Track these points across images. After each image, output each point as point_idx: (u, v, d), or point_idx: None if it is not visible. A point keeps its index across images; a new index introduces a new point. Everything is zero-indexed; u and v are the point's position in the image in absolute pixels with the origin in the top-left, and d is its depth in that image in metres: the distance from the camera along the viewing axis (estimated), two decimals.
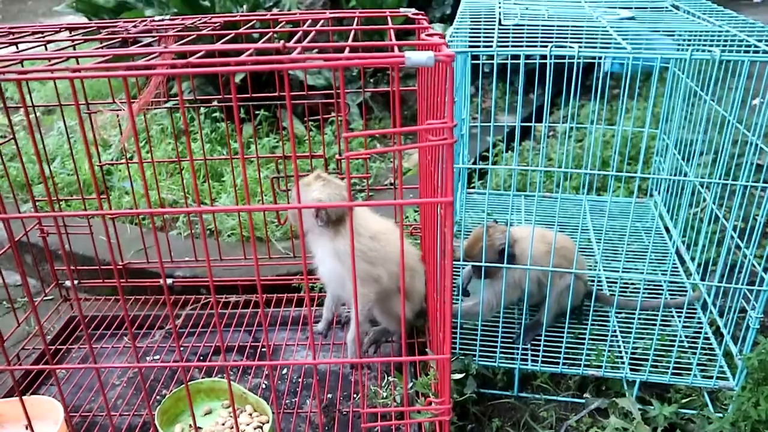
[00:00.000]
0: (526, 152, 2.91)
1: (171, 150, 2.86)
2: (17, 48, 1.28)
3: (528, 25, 1.57)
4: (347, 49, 0.98)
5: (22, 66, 1.11)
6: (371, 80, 3.29)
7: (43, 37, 1.44)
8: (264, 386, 1.65)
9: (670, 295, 1.90)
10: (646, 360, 1.57)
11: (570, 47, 1.31)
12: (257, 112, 3.05)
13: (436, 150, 1.25)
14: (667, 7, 1.90)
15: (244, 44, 1.00)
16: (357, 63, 0.90)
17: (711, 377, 1.56)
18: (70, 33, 1.53)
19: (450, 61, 0.90)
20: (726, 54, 1.27)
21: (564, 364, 1.62)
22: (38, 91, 3.76)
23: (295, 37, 1.15)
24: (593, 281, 1.77)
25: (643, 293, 1.68)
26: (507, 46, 1.39)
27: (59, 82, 2.81)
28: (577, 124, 2.82)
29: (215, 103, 2.81)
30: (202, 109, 3.04)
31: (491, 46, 1.40)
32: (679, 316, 1.79)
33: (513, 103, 3.08)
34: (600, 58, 1.42)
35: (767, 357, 1.43)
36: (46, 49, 1.35)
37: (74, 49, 1.42)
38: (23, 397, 1.21)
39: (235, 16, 1.62)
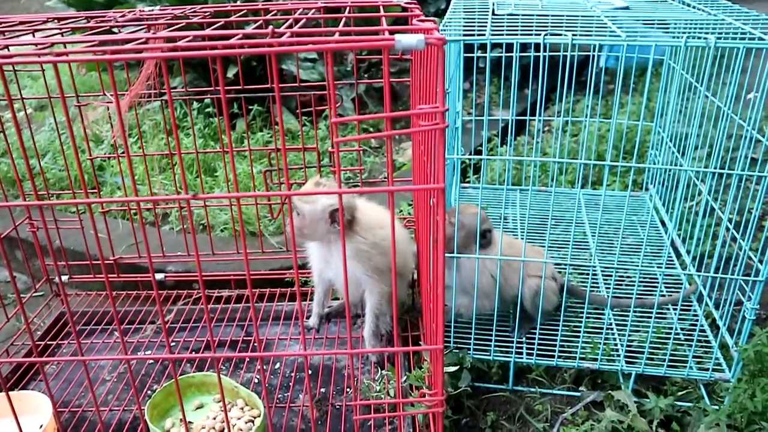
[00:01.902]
0: (521, 147, 2.90)
1: (164, 145, 2.84)
2: (3, 36, 1.26)
3: (522, 15, 1.56)
4: (337, 34, 0.96)
5: (9, 51, 1.09)
6: (365, 75, 3.28)
7: (32, 26, 1.42)
8: (256, 381, 1.64)
9: (666, 287, 1.89)
10: (642, 352, 1.56)
11: (564, 35, 1.30)
12: (250, 107, 3.03)
13: (430, 139, 1.24)
14: None
15: (233, 31, 0.98)
16: (346, 46, 0.89)
17: (707, 369, 1.55)
18: (59, 23, 1.50)
19: (441, 44, 0.89)
20: (721, 41, 1.26)
21: (559, 357, 1.61)
22: (30, 87, 3.73)
23: (285, 24, 1.13)
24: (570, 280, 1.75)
25: (638, 286, 1.67)
26: (501, 35, 1.38)
27: (50, 77, 2.78)
28: (573, 119, 2.81)
29: (208, 96, 2.79)
30: (194, 104, 3.02)
31: (484, 35, 1.38)
32: (674, 309, 1.78)
33: (508, 98, 3.06)
34: (595, 48, 1.41)
35: (763, 348, 1.42)
36: (34, 37, 1.33)
37: (62, 37, 1.40)
38: (11, 392, 1.19)
39: (226, 6, 1.60)
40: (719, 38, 1.27)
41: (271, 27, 1.01)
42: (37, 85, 3.76)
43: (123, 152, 2.59)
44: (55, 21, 1.54)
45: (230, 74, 2.81)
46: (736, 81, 1.42)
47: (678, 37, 1.31)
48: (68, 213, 2.43)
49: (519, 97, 3.37)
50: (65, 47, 1.10)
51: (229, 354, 1.53)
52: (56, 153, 2.87)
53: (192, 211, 1.03)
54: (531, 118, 2.33)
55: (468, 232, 1.60)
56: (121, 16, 1.51)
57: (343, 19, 1.24)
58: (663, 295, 1.84)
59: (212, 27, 1.21)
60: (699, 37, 1.26)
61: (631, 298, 1.68)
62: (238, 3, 2.87)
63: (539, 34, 1.34)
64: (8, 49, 1.11)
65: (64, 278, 2.00)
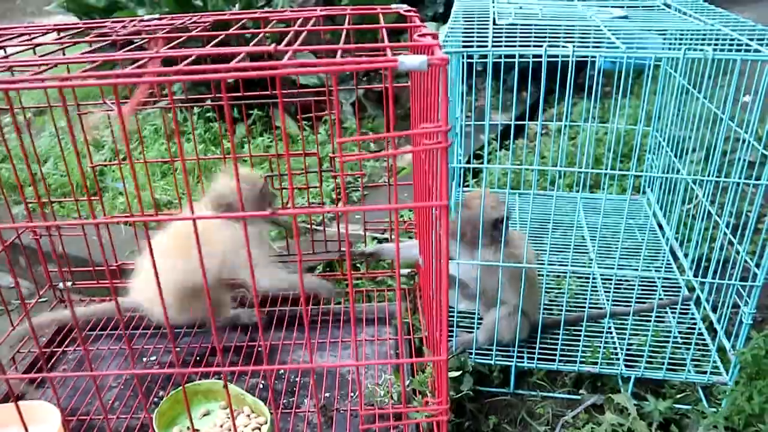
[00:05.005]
0: (519, 150, 2.91)
1: (164, 150, 2.85)
2: (5, 52, 1.27)
3: (522, 25, 1.57)
4: (339, 52, 0.97)
5: (12, 74, 1.10)
6: (364, 79, 3.28)
7: (31, 39, 1.43)
8: (262, 386, 1.66)
9: (664, 291, 1.90)
10: (641, 356, 1.58)
11: (564, 47, 1.31)
12: (250, 111, 3.04)
13: (431, 151, 1.25)
14: (659, 6, 1.90)
15: (235, 48, 0.99)
16: (350, 68, 0.90)
17: (705, 373, 1.58)
18: (58, 34, 1.51)
19: (444, 64, 0.90)
20: (718, 53, 1.27)
21: (560, 361, 1.63)
22: (29, 92, 3.72)
23: (286, 39, 1.14)
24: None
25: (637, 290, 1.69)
26: (501, 46, 1.39)
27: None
28: (570, 122, 2.82)
29: (208, 103, 2.79)
30: (195, 109, 3.02)
31: (485, 46, 1.39)
32: (673, 313, 1.80)
33: (506, 102, 3.07)
34: (594, 57, 1.42)
35: (760, 352, 1.44)
36: (35, 52, 1.34)
37: (63, 53, 1.41)
38: (19, 402, 1.21)
39: (225, 14, 1.60)
40: (716, 49, 1.29)
41: (273, 45, 1.02)
42: (36, 89, 3.75)
43: (124, 158, 2.60)
44: (55, 32, 1.55)
45: (230, 79, 2.81)
46: (733, 87, 1.44)
47: (675, 47, 1.33)
48: (71, 219, 2.44)
49: (517, 100, 3.38)
50: (68, 69, 1.11)
51: (236, 367, 1.55)
52: (57, 159, 2.87)
53: (194, 224, 1.05)
54: (530, 122, 2.34)
55: (476, 224, 1.49)
56: (121, 27, 1.51)
57: (344, 32, 1.25)
58: (661, 299, 1.86)
59: (213, 42, 1.21)
60: (697, 48, 1.27)
61: (629, 302, 1.70)
62: (237, 9, 2.87)
63: (539, 44, 1.35)
64: (12, 73, 1.13)
65: (68, 284, 2.01)
